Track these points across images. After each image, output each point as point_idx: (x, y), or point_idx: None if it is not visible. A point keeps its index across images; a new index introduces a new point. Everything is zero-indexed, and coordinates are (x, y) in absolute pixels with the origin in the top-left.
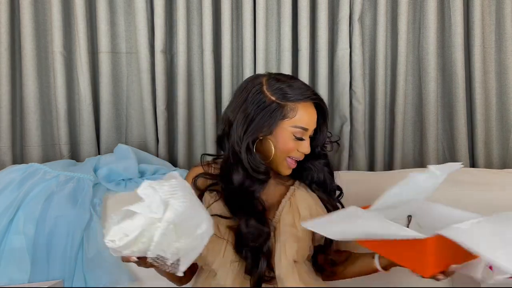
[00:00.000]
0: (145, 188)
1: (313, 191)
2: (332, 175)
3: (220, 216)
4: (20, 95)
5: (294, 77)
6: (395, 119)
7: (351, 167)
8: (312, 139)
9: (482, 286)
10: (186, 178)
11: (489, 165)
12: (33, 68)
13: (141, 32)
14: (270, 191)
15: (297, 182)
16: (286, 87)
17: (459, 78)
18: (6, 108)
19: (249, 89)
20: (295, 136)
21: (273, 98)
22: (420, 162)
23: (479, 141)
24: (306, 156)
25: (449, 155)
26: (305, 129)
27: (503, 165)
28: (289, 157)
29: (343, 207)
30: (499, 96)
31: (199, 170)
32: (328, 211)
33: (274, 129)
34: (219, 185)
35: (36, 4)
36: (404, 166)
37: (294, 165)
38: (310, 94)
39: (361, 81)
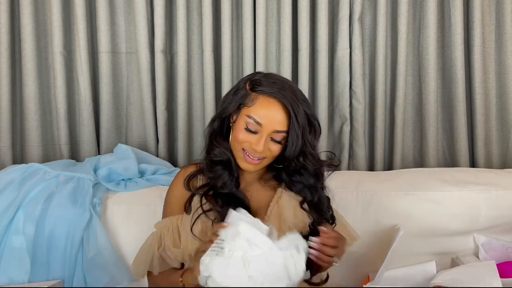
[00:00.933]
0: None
1: (305, 210)
2: (329, 201)
3: (205, 212)
4: (20, 95)
5: (286, 79)
6: (395, 119)
7: (351, 167)
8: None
9: None
10: (175, 179)
11: (489, 165)
12: (33, 68)
13: (141, 32)
14: (256, 195)
15: (283, 185)
16: (264, 81)
17: (459, 78)
18: (6, 108)
19: (241, 80)
20: (247, 127)
21: (247, 87)
22: (420, 162)
23: (479, 141)
24: (284, 167)
25: (449, 155)
26: (258, 123)
27: (503, 165)
28: (244, 149)
29: None
30: (499, 96)
31: (191, 169)
32: (312, 231)
33: (234, 113)
34: (207, 187)
35: (36, 4)
36: (404, 166)
37: (252, 161)
38: (275, 91)
39: (361, 81)
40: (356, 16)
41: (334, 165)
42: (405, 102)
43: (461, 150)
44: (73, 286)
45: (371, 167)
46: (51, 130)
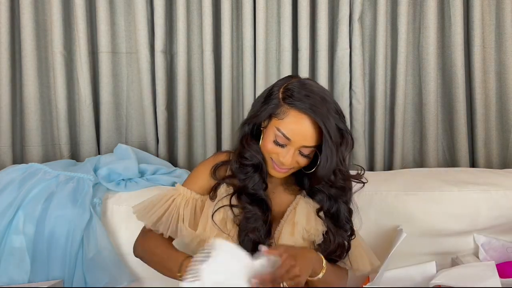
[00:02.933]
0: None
1: (320, 217)
2: (350, 213)
3: (230, 206)
4: (20, 95)
5: (322, 90)
6: (395, 119)
7: (351, 167)
8: (315, 162)
9: None
10: (208, 160)
11: (489, 165)
12: (33, 68)
13: (141, 32)
14: (278, 198)
15: (304, 192)
16: (297, 93)
17: (459, 78)
18: (6, 108)
19: (276, 84)
20: (276, 140)
21: (280, 96)
22: (420, 162)
23: (479, 141)
24: (313, 181)
25: (449, 155)
26: (287, 138)
27: (503, 165)
28: (272, 159)
29: (349, 248)
30: (499, 96)
31: (221, 157)
32: (326, 241)
33: (265, 121)
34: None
35: (36, 4)
36: (404, 166)
37: (280, 171)
38: (307, 107)
39: (361, 81)
40: (356, 16)
41: (362, 182)
42: (405, 102)
43: (461, 150)
44: (73, 286)
45: (371, 167)
46: (51, 130)
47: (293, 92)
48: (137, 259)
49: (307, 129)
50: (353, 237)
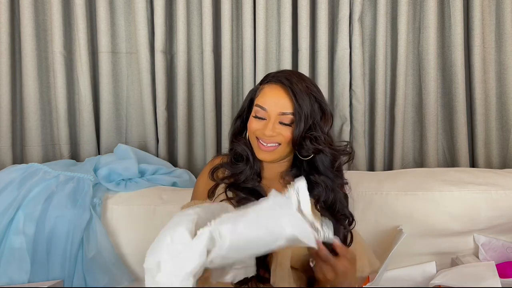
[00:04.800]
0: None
1: (318, 210)
2: (346, 198)
3: (228, 199)
4: (20, 95)
5: (299, 72)
6: (395, 119)
7: (351, 167)
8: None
9: None
10: (204, 169)
11: (489, 165)
12: (33, 68)
13: (141, 32)
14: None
15: None
16: (273, 74)
17: (459, 78)
18: (6, 108)
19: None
20: (256, 115)
21: (260, 84)
22: (420, 162)
23: (479, 141)
24: (311, 168)
25: (449, 155)
26: (263, 108)
27: (503, 165)
28: (257, 138)
29: (351, 240)
30: (499, 96)
31: (217, 161)
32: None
33: (250, 109)
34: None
35: (36, 4)
36: (404, 166)
37: (266, 149)
38: (278, 80)
39: (361, 81)
40: (356, 16)
41: (348, 152)
42: (405, 102)
43: (461, 150)
44: (73, 286)
45: (371, 167)
46: (51, 130)
47: (269, 75)
48: (137, 259)
49: (279, 95)
50: (353, 225)
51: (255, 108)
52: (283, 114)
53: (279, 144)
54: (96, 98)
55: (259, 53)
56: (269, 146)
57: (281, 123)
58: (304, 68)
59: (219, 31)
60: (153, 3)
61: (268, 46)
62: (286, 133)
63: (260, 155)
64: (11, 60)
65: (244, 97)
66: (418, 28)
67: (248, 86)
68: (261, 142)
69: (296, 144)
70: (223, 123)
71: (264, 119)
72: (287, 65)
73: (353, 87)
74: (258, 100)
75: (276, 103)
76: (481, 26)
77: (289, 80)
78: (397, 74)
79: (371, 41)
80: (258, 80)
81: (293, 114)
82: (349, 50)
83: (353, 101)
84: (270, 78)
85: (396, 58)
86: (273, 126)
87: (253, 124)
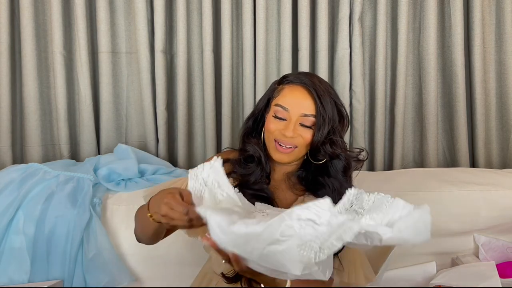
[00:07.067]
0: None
1: None
2: None
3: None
4: (20, 95)
5: (318, 76)
6: (395, 119)
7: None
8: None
9: None
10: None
11: (489, 165)
12: (33, 68)
13: (141, 32)
14: (282, 196)
15: (307, 193)
16: (291, 75)
17: (459, 78)
18: (6, 108)
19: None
20: (275, 115)
21: (276, 82)
22: (420, 162)
23: (479, 141)
24: (320, 171)
25: (449, 155)
26: (285, 109)
27: (503, 165)
28: (275, 140)
29: None
30: (499, 96)
31: (230, 154)
32: None
33: (266, 109)
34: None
35: (36, 4)
36: (404, 166)
37: (284, 151)
38: (300, 79)
39: (361, 81)
40: (356, 16)
41: (362, 160)
42: (405, 102)
43: (461, 150)
44: (73, 286)
45: (371, 167)
46: (51, 130)
47: (288, 76)
48: (137, 259)
49: (302, 97)
50: None
51: (274, 108)
52: (305, 115)
53: (296, 146)
54: (96, 98)
55: (259, 53)
56: (287, 148)
57: (301, 125)
58: (304, 68)
59: (219, 31)
60: (153, 3)
61: (268, 46)
62: (306, 135)
63: (276, 155)
64: (11, 60)
65: (244, 97)
66: (418, 28)
67: (248, 86)
68: (279, 143)
69: (314, 147)
70: (223, 123)
71: (285, 119)
72: (287, 65)
73: (353, 87)
74: (278, 100)
75: (299, 104)
76: (481, 26)
77: (312, 81)
78: (397, 74)
79: (371, 41)
80: (258, 80)
81: (315, 116)
82: (349, 50)
83: (353, 101)
84: (291, 79)
85: (396, 58)
86: (294, 127)
87: (272, 124)
